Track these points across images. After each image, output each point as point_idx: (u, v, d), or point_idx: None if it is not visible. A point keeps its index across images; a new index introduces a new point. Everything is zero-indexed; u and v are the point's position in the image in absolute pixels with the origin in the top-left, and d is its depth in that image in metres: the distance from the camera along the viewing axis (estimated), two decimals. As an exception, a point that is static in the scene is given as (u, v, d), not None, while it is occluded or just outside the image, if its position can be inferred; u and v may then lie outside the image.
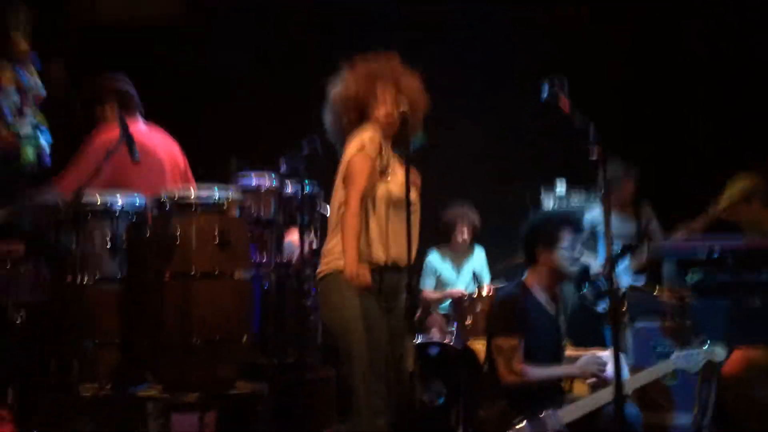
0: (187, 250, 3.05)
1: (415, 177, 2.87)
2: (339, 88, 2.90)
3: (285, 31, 5.51)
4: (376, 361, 2.72)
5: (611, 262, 2.71)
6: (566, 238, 3.22)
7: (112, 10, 5.36)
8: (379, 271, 2.76)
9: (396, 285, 2.79)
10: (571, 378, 3.20)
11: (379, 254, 2.75)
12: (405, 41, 2.99)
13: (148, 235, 3.15)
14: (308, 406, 3.58)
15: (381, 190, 2.77)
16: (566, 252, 3.21)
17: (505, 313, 3.19)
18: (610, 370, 3.05)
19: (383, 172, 2.76)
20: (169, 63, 5.29)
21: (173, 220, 3.07)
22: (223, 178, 4.10)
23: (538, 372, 3.12)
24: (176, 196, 3.12)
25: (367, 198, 2.76)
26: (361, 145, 2.77)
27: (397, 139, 2.83)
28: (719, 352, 3.08)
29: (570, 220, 3.31)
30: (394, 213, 2.77)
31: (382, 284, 2.77)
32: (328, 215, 3.03)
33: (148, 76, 4.65)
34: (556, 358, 3.23)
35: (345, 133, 2.88)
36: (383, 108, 2.84)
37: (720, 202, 4.05)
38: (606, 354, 3.17)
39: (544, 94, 2.96)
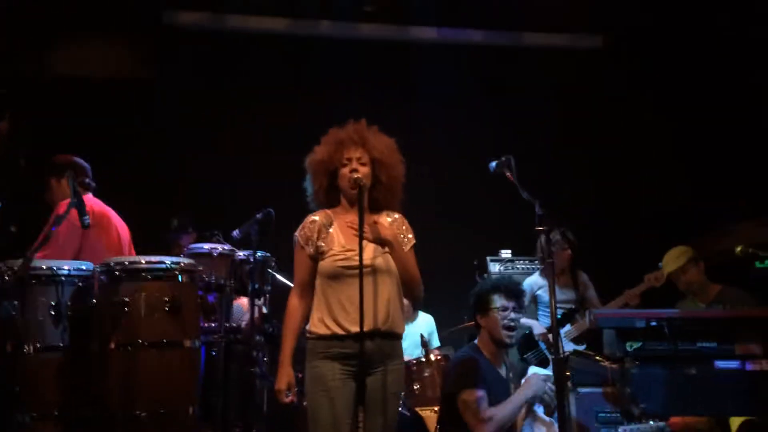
0: (136, 318, 2.99)
1: (389, 233, 2.90)
2: (311, 155, 2.97)
3: (250, 98, 5.57)
4: (325, 428, 2.71)
5: (556, 329, 2.80)
6: (497, 301, 3.41)
7: (60, 67, 5.33)
8: (340, 338, 2.76)
9: (365, 350, 2.74)
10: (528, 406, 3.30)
11: (330, 326, 2.78)
12: (364, 107, 3.06)
13: (94, 302, 3.07)
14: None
15: (320, 268, 2.85)
16: (500, 315, 3.36)
17: (466, 369, 3.31)
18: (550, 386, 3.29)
19: (319, 253, 2.84)
20: (121, 120, 5.27)
21: (122, 286, 3.02)
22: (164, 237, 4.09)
23: (504, 409, 3.22)
24: (126, 262, 3.07)
25: (317, 276, 2.85)
26: (295, 237, 2.90)
27: (356, 203, 2.86)
28: (665, 429, 3.20)
29: (500, 287, 3.49)
30: (339, 283, 2.80)
31: (346, 352, 2.75)
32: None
33: (95, 132, 4.64)
34: None
35: (319, 199, 2.95)
36: (345, 172, 2.89)
37: (660, 271, 4.25)
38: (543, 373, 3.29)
39: (492, 168, 3.11)
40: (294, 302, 2.86)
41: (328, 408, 2.72)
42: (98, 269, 3.13)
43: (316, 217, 2.92)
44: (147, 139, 5.23)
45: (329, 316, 2.79)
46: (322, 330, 2.79)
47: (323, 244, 2.85)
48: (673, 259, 4.22)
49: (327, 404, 2.72)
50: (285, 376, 2.77)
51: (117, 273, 3.05)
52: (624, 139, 5.76)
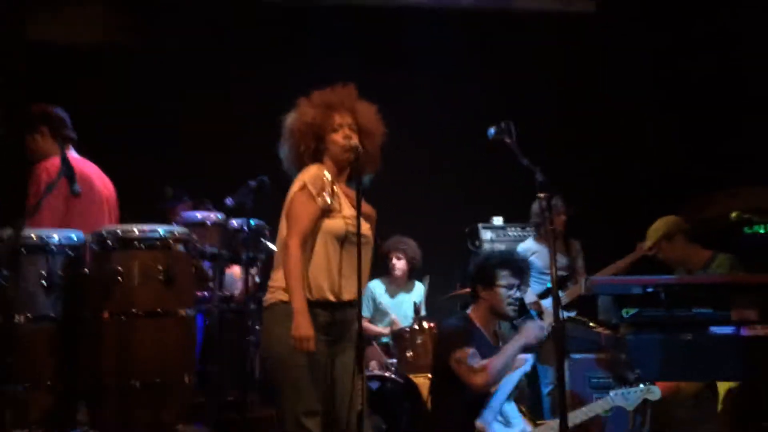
0: (129, 288, 2.93)
1: (369, 211, 2.90)
2: (296, 116, 2.89)
3: (240, 61, 5.45)
4: (309, 399, 2.68)
5: (557, 297, 2.79)
6: (504, 279, 3.38)
7: (47, 34, 5.18)
8: (327, 306, 2.73)
9: (345, 320, 2.77)
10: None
11: (325, 291, 2.73)
12: (355, 74, 3.00)
13: (86, 271, 3.01)
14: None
15: (326, 226, 2.75)
16: (504, 292, 3.35)
17: (455, 333, 3.34)
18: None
19: (328, 209, 2.75)
20: (111, 88, 5.14)
21: (115, 256, 2.96)
22: (163, 208, 4.02)
23: (498, 359, 3.25)
24: (119, 231, 3.01)
25: (314, 235, 2.75)
26: (303, 184, 2.76)
27: (352, 172, 2.82)
28: (655, 391, 3.24)
29: (508, 262, 3.49)
30: (341, 248, 2.75)
31: (330, 319, 2.74)
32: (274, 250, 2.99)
33: (84, 101, 4.51)
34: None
35: (301, 161, 2.86)
36: (339, 138, 2.83)
37: (645, 241, 4.25)
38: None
39: (491, 134, 3.07)
40: (297, 252, 2.68)
41: (312, 380, 2.68)
42: (90, 238, 3.06)
43: (326, 172, 2.81)
44: (136, 108, 5.11)
45: (327, 280, 2.73)
46: (315, 294, 2.71)
47: (333, 202, 2.77)
48: (650, 234, 4.22)
49: (311, 376, 2.68)
50: (308, 322, 2.62)
51: (110, 242, 2.99)
52: (618, 106, 5.73)
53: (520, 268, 3.49)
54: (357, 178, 2.76)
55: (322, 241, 2.75)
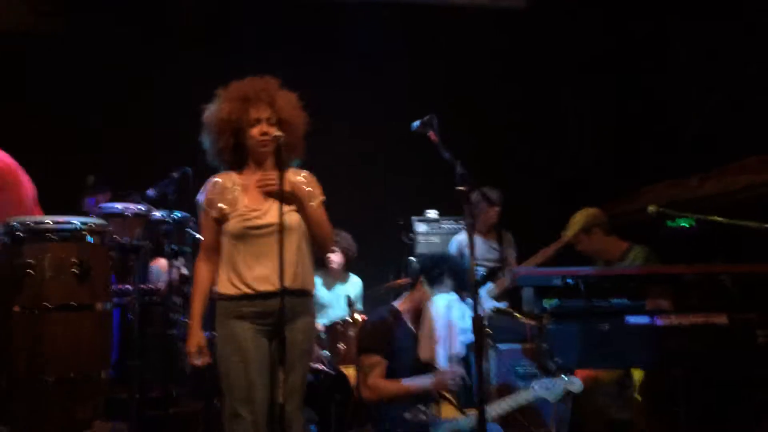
0: (41, 281, 2.85)
1: (302, 187, 2.89)
2: (213, 111, 2.87)
3: (166, 49, 5.33)
4: (239, 389, 2.70)
5: (474, 288, 2.85)
6: (445, 286, 3.52)
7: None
8: (247, 297, 2.75)
9: (274, 310, 2.72)
10: (429, 393, 3.34)
11: (237, 285, 2.78)
12: (289, 65, 2.97)
13: (-3, 265, 2.91)
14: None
15: (225, 229, 2.83)
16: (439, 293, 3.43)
17: (373, 333, 3.42)
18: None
19: (223, 216, 2.82)
20: (33, 75, 4.96)
21: (26, 248, 2.86)
22: (78, 197, 3.90)
23: (392, 386, 3.29)
24: (30, 222, 2.91)
25: (222, 238, 2.83)
26: (199, 202, 2.88)
27: (276, 162, 2.82)
28: (576, 383, 3.32)
29: (458, 276, 3.61)
30: (244, 243, 2.79)
31: (257, 309, 2.75)
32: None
33: (5, 90, 4.35)
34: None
35: (221, 156, 2.88)
36: (255, 133, 2.82)
37: (566, 233, 4.34)
38: (456, 421, 3.36)
39: (414, 127, 3.09)
40: (200, 265, 2.86)
41: (242, 369, 2.71)
42: (1, 230, 2.95)
43: (219, 179, 2.89)
44: (58, 96, 4.95)
45: (236, 275, 2.78)
46: (230, 290, 2.78)
47: (226, 207, 2.83)
48: (570, 225, 4.31)
49: (240, 365, 2.71)
50: (195, 338, 2.77)
51: (21, 234, 2.89)
52: (547, 100, 5.82)
53: (462, 286, 3.55)
54: (279, 167, 2.77)
55: (226, 243, 2.84)
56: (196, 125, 2.90)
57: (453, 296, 3.49)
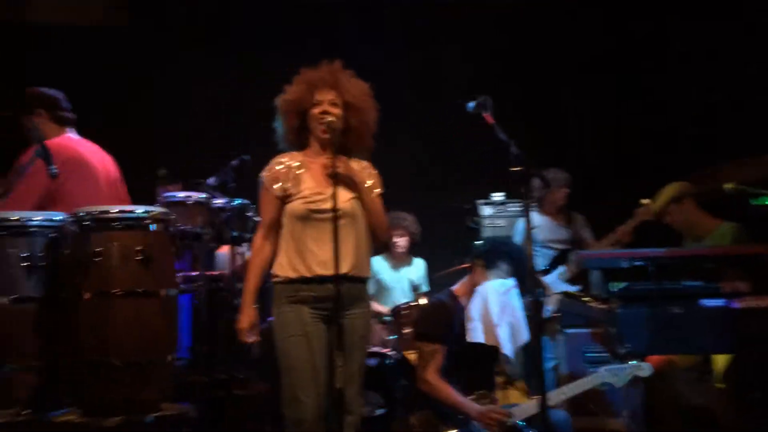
0: (108, 268, 2.94)
1: (364, 177, 2.89)
2: (282, 96, 2.94)
3: (225, 42, 5.44)
4: (301, 374, 2.72)
5: (532, 271, 2.76)
6: (501, 270, 3.42)
7: (37, 13, 5.20)
8: (307, 281, 2.77)
9: (334, 296, 2.72)
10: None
11: (298, 268, 2.79)
12: (349, 53, 2.97)
13: (66, 252, 3.03)
14: (238, 423, 3.51)
15: (287, 210, 2.84)
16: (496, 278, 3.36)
17: (431, 318, 3.38)
18: (516, 418, 3.21)
19: (286, 195, 2.83)
20: (97, 67, 5.16)
21: (93, 236, 2.97)
22: (151, 188, 4.03)
23: (443, 392, 3.29)
24: (95, 212, 3.01)
25: (283, 218, 2.84)
26: (261, 178, 2.89)
27: (333, 147, 2.81)
28: (645, 367, 3.19)
29: (516, 262, 3.48)
30: (306, 226, 2.79)
31: (316, 294, 2.76)
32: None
33: (74, 81, 4.52)
34: (484, 363, 3.40)
35: (288, 138, 2.95)
36: (315, 112, 2.85)
37: (654, 203, 4.16)
38: (519, 407, 3.26)
39: (470, 107, 3.02)
40: (259, 242, 2.87)
41: (304, 353, 2.72)
42: (68, 219, 3.08)
43: (284, 159, 2.90)
44: (123, 87, 5.13)
45: (298, 258, 2.78)
46: (289, 273, 2.79)
47: (291, 186, 2.83)
48: (659, 196, 4.13)
49: (301, 349, 2.73)
50: (247, 315, 2.81)
51: (87, 223, 3.00)
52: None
53: (520, 272, 3.46)
54: (332, 151, 2.77)
55: (287, 224, 2.84)
56: (250, 113, 2.94)
57: (512, 282, 3.39)
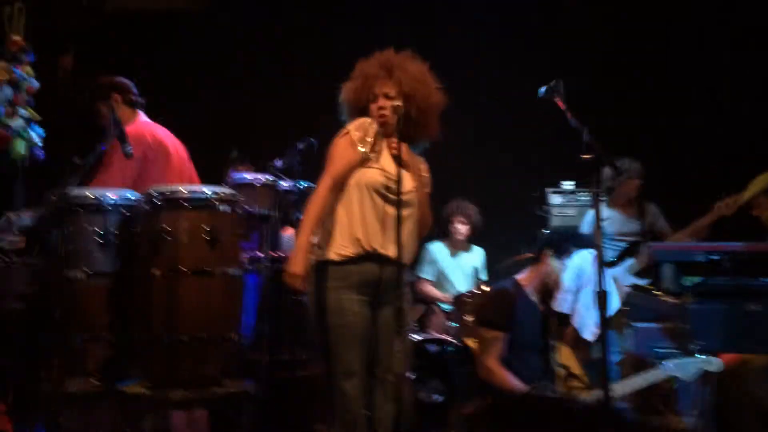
0: (176, 247, 3.02)
1: (420, 172, 2.86)
2: (343, 93, 2.90)
3: (293, 25, 5.48)
4: (345, 361, 2.68)
5: (601, 262, 2.67)
6: (570, 257, 3.44)
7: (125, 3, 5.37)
8: (362, 260, 2.70)
9: (387, 279, 2.72)
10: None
11: (360, 242, 2.69)
12: (409, 38, 2.93)
13: (138, 230, 3.12)
14: (298, 403, 3.56)
15: (363, 175, 2.72)
16: (563, 267, 3.30)
17: (493, 305, 3.35)
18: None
19: (366, 159, 2.72)
20: (169, 51, 5.29)
21: (162, 215, 3.05)
22: (223, 170, 4.12)
23: (503, 378, 3.29)
24: (166, 191, 3.10)
25: (352, 185, 2.73)
26: (347, 130, 2.76)
27: (398, 135, 2.75)
28: (715, 362, 3.06)
29: (586, 244, 3.49)
30: (380, 202, 2.71)
31: (368, 277, 2.71)
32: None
33: (148, 65, 4.66)
34: (543, 353, 3.41)
35: None
36: (374, 108, 2.81)
37: (744, 194, 3.97)
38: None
39: (541, 93, 2.94)
40: (324, 192, 2.69)
41: (350, 343, 2.68)
42: (141, 198, 3.18)
43: (374, 123, 2.79)
44: (197, 71, 5.24)
45: (363, 232, 2.68)
46: (347, 248, 2.69)
47: (374, 153, 2.75)
48: (750, 187, 3.93)
49: (349, 338, 2.68)
50: (302, 260, 2.64)
51: (158, 202, 3.08)
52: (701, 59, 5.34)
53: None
54: (400, 137, 2.71)
55: (358, 192, 2.72)
56: (320, 96, 2.93)
57: (590, 254, 3.33)
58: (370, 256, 2.70)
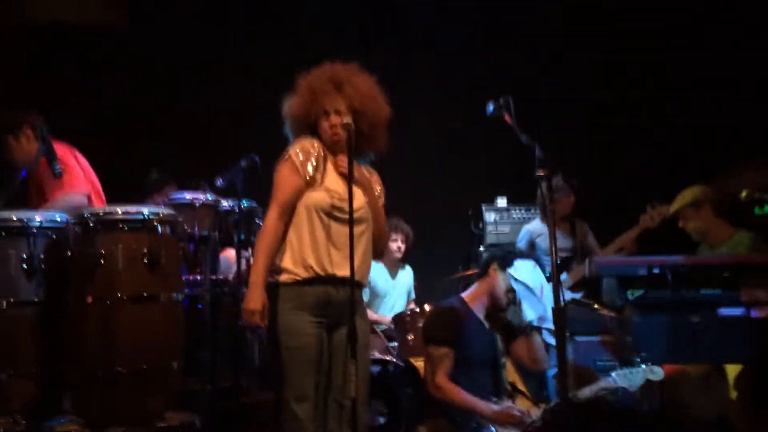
0: (113, 272, 2.83)
1: (372, 184, 2.82)
2: (288, 106, 2.81)
3: (229, 39, 5.34)
4: (299, 384, 2.61)
5: (557, 278, 2.69)
6: (516, 268, 3.39)
7: (35, 13, 5.08)
8: (316, 282, 2.64)
9: (341, 301, 2.64)
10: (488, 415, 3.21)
11: (312, 266, 2.64)
12: (352, 50, 2.87)
13: (69, 254, 2.92)
14: (243, 432, 3.41)
15: (310, 198, 2.67)
16: (510, 280, 3.31)
17: (442, 322, 3.34)
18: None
19: (311, 181, 2.67)
20: (93, 67, 5.04)
21: (98, 238, 2.85)
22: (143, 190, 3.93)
23: (457, 396, 3.20)
24: (101, 212, 2.91)
25: (301, 208, 2.68)
26: (288, 155, 2.70)
27: (347, 150, 2.68)
28: (657, 371, 3.13)
29: (529, 255, 3.52)
30: (328, 222, 2.66)
31: (322, 298, 2.65)
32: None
33: (73, 81, 4.41)
34: (493, 371, 3.35)
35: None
36: (325, 125, 2.74)
37: (670, 207, 4.11)
38: (529, 411, 3.21)
39: (489, 111, 2.93)
40: (274, 222, 2.64)
41: (303, 365, 2.61)
42: (72, 220, 2.96)
43: (316, 143, 2.73)
44: (120, 87, 5.01)
45: (314, 255, 2.64)
46: (300, 271, 2.64)
47: (319, 174, 2.70)
48: (677, 200, 4.09)
49: (301, 360, 2.60)
50: (259, 296, 2.58)
51: (92, 224, 2.89)
52: (628, 77, 5.55)
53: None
54: (349, 154, 2.64)
55: (306, 215, 2.68)
56: (262, 113, 2.84)
57: (532, 263, 3.35)
58: (322, 279, 2.65)
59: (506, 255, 3.44)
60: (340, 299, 2.64)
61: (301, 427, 2.59)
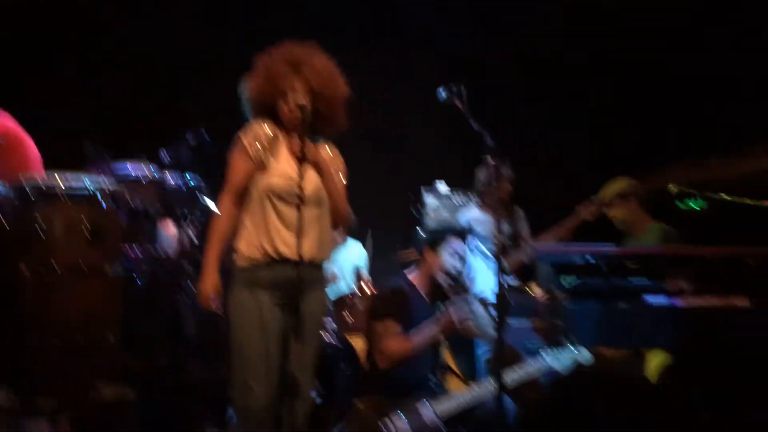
0: (52, 244, 2.78)
1: (329, 164, 2.81)
2: (245, 90, 2.80)
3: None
4: (254, 361, 2.64)
5: (501, 262, 2.78)
6: (450, 248, 3.40)
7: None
8: (269, 265, 2.66)
9: (295, 280, 2.64)
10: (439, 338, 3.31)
11: (265, 248, 2.67)
12: (304, 28, 2.85)
13: (6, 226, 2.82)
14: (179, 409, 3.39)
15: (261, 182, 2.69)
16: (446, 259, 3.36)
17: (387, 300, 3.37)
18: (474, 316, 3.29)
19: (261, 165, 2.68)
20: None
21: (37, 209, 2.78)
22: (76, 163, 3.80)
23: (401, 345, 3.25)
24: (42, 184, 2.82)
25: (253, 192, 2.70)
26: (239, 139, 2.71)
27: (302, 131, 2.69)
28: (586, 355, 3.28)
29: (459, 232, 3.56)
30: (281, 205, 2.68)
31: (275, 279, 2.67)
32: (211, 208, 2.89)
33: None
34: (433, 349, 3.39)
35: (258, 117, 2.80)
36: (284, 108, 2.75)
37: (598, 197, 4.27)
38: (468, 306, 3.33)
39: (442, 97, 2.98)
40: (228, 206, 2.69)
41: (260, 341, 2.63)
42: (10, 191, 2.86)
43: (266, 126, 2.73)
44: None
45: (266, 237, 2.67)
46: (255, 253, 2.67)
47: (270, 157, 2.70)
48: (605, 190, 4.25)
49: (258, 336, 2.63)
50: (211, 280, 2.64)
51: (31, 195, 2.80)
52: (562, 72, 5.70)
53: (464, 239, 3.51)
54: (302, 135, 2.65)
55: (258, 199, 2.69)
56: (211, 87, 2.79)
57: (464, 245, 3.46)
58: (276, 261, 2.67)
59: (435, 237, 3.52)
60: (290, 278, 2.64)
61: (254, 401, 2.62)
